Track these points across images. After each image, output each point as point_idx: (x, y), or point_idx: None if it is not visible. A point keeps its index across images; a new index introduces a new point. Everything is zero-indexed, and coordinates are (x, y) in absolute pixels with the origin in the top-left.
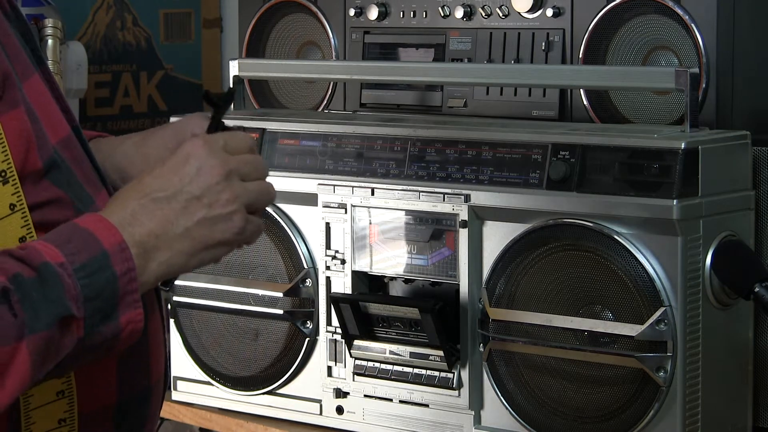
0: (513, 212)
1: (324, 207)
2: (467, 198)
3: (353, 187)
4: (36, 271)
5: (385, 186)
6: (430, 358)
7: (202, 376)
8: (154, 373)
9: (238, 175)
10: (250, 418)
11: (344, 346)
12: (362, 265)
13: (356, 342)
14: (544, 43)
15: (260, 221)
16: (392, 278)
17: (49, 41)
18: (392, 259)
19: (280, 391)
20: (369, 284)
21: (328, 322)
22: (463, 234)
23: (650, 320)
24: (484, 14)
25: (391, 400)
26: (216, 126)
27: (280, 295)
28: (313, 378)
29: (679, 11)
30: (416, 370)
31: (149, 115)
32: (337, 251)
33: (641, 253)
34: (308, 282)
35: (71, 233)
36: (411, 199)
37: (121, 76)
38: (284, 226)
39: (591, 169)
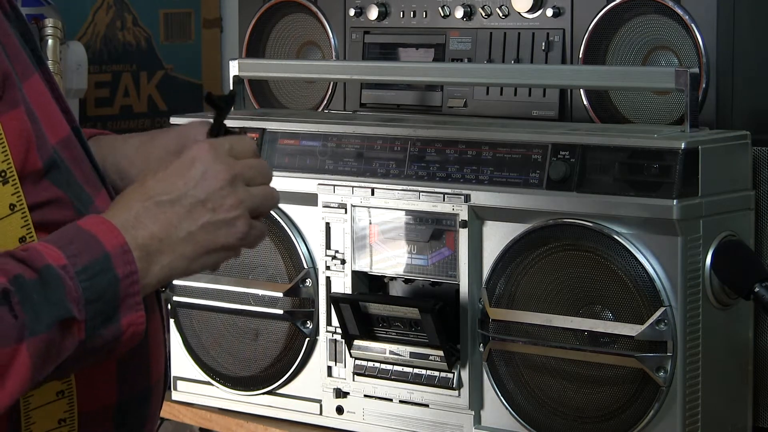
0: (513, 212)
1: (324, 207)
2: (467, 198)
3: (353, 187)
4: (37, 273)
5: (385, 186)
6: (430, 358)
7: (202, 376)
8: (154, 373)
9: (243, 179)
10: (250, 418)
11: (344, 346)
12: (362, 265)
13: (356, 342)
14: (544, 43)
15: (263, 226)
16: (392, 278)
17: (49, 41)
18: (392, 259)
19: (280, 391)
20: (369, 284)
21: (328, 322)
22: (463, 234)
23: (650, 320)
24: (484, 14)
25: (391, 400)
26: (218, 128)
27: (280, 295)
28: (313, 378)
29: (679, 11)
30: (416, 370)
31: (149, 115)
32: (337, 251)
33: (641, 253)
34: (308, 282)
35: (73, 235)
36: (411, 199)
37: (121, 76)
38: (284, 226)
39: (591, 169)
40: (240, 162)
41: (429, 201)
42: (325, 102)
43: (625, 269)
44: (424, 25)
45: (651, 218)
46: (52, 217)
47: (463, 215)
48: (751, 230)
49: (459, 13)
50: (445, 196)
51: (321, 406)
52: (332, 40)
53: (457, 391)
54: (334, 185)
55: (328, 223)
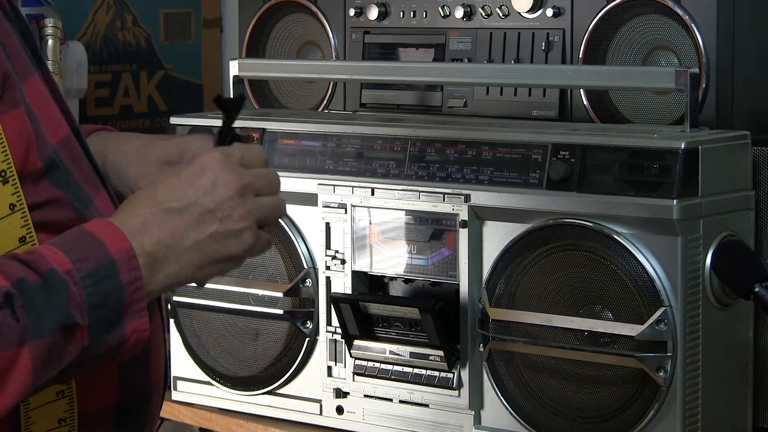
0: (513, 212)
1: (324, 207)
2: (467, 198)
3: (353, 187)
4: (41, 277)
5: (385, 186)
6: (430, 358)
7: (202, 376)
8: (154, 374)
9: (253, 190)
10: (250, 418)
11: (344, 346)
12: (362, 265)
13: (356, 342)
14: (544, 43)
15: (269, 237)
16: (392, 278)
17: (49, 41)
18: (392, 259)
19: (280, 391)
20: (369, 284)
21: (328, 322)
22: (463, 234)
23: (650, 320)
24: (484, 14)
25: (391, 400)
26: (227, 131)
27: (280, 295)
28: (313, 378)
29: (679, 11)
30: (416, 370)
31: (149, 115)
32: (337, 251)
33: (641, 253)
34: (308, 282)
35: (79, 238)
36: (411, 199)
37: (121, 76)
38: (284, 226)
39: (591, 169)
40: (250, 172)
41: (429, 201)
42: (325, 102)
43: (625, 269)
44: (424, 25)
45: (651, 218)
46: (52, 217)
47: (463, 215)
48: (751, 230)
49: (459, 13)
50: (445, 196)
51: (321, 406)
52: (332, 40)
53: (457, 391)
54: (334, 185)
55: (328, 223)
